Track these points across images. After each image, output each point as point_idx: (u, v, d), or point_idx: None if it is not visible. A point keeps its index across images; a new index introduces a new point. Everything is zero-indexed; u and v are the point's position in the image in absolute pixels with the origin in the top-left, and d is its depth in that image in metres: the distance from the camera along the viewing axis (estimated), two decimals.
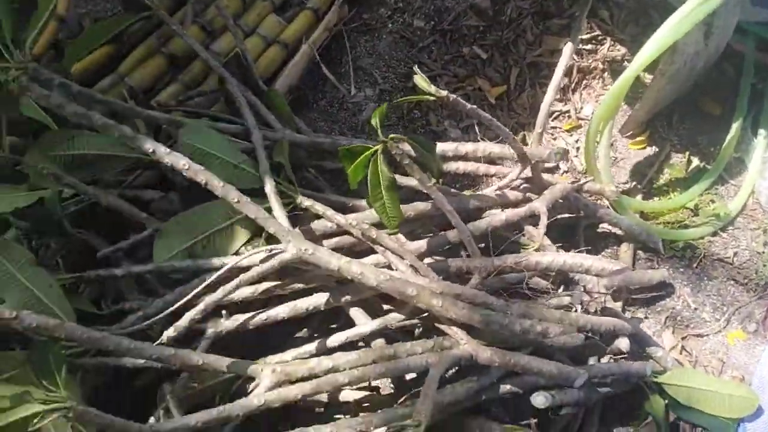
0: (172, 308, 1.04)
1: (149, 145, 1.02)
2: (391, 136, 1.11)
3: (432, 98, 1.07)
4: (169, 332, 1.02)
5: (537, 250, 1.22)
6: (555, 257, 1.19)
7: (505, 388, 1.15)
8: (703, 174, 1.60)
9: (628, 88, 1.36)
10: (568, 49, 1.30)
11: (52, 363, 0.98)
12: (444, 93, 1.07)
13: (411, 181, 1.32)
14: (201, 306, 1.03)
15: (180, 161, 1.03)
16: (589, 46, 1.71)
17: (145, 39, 1.54)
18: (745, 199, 1.57)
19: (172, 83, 1.50)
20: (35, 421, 0.77)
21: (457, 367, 1.19)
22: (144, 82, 1.49)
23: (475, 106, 1.13)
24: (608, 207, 1.49)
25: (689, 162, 1.62)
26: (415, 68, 1.07)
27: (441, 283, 1.13)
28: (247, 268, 1.09)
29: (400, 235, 1.22)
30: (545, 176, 1.40)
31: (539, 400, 1.10)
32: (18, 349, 1.05)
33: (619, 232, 1.51)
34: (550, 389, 1.14)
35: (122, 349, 0.97)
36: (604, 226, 1.52)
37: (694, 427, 1.32)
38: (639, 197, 1.57)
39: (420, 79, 1.07)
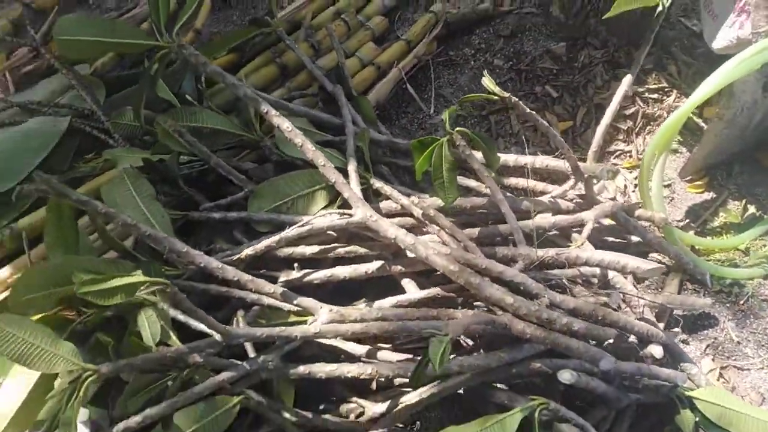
0: (254, 250, 1.23)
1: (265, 107, 1.25)
2: (457, 129, 1.30)
3: (496, 97, 1.25)
4: (248, 250, 1.21)
5: None
6: (594, 253, 1.30)
7: (535, 366, 1.25)
8: (759, 221, 1.66)
9: (682, 122, 1.48)
10: (627, 79, 1.46)
11: (153, 273, 1.19)
12: (507, 94, 1.25)
13: (470, 182, 1.48)
14: (277, 237, 1.22)
15: (284, 123, 1.25)
16: (655, 95, 1.84)
17: (263, 51, 1.83)
18: None
19: (280, 88, 1.76)
20: (141, 288, 0.96)
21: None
22: (257, 85, 1.77)
23: (533, 112, 1.30)
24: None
25: (745, 209, 1.69)
26: (485, 72, 1.26)
27: (486, 260, 1.26)
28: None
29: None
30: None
31: (566, 376, 1.19)
32: None
33: (667, 261, 1.59)
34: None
35: (211, 268, 1.17)
36: (653, 255, 1.60)
37: None
38: (691, 233, 1.66)
39: (487, 80, 1.25)
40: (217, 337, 1.09)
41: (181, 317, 1.13)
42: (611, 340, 1.35)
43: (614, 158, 1.81)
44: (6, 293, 1.48)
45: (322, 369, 1.19)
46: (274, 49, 1.83)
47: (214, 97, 1.70)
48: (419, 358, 1.14)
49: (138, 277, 0.97)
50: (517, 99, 1.26)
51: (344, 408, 1.37)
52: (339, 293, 1.43)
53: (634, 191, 1.74)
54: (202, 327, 1.11)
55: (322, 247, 1.36)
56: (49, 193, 1.08)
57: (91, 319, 1.28)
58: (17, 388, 1.26)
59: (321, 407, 1.38)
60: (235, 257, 1.24)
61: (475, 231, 1.38)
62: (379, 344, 1.38)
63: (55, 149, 1.64)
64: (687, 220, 1.69)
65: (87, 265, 1.16)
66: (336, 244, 1.36)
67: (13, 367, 1.29)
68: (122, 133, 1.60)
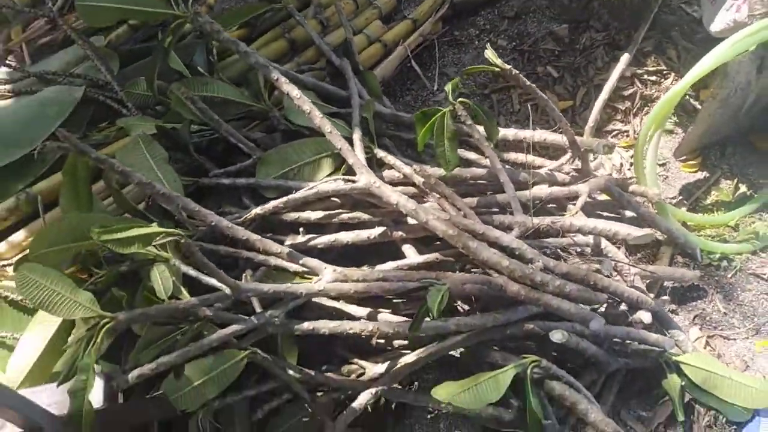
0: (263, 210, 1.29)
1: (275, 75, 1.31)
2: (460, 100, 1.35)
3: (498, 69, 1.30)
4: (257, 210, 1.27)
5: None
6: (587, 221, 1.35)
7: (528, 327, 1.31)
8: (749, 200, 1.71)
9: (677, 99, 1.53)
10: (625, 57, 1.51)
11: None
12: (508, 67, 1.31)
13: (470, 155, 1.54)
14: (284, 199, 1.28)
15: (294, 90, 1.31)
16: (654, 78, 1.89)
17: (273, 27, 1.88)
18: None
19: (289, 62, 1.82)
20: (157, 239, 1.02)
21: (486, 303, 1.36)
22: (268, 59, 1.81)
23: (533, 85, 1.36)
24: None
25: (737, 188, 1.74)
26: (488, 45, 1.31)
27: (483, 226, 1.32)
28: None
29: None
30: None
31: (557, 336, 1.25)
32: None
33: (659, 236, 1.64)
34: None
35: (221, 227, 1.23)
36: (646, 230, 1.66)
37: (709, 410, 1.41)
38: (683, 209, 1.71)
39: (490, 53, 1.31)
40: (227, 290, 1.15)
41: (193, 272, 1.20)
42: (603, 307, 1.42)
43: (612, 137, 1.86)
44: (18, 258, 1.54)
45: (326, 325, 1.25)
46: (284, 25, 1.88)
47: (224, 70, 1.75)
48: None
49: (154, 228, 1.03)
50: (517, 72, 1.31)
51: (345, 369, 1.44)
52: (342, 260, 1.49)
53: (629, 169, 1.80)
54: (212, 282, 1.17)
55: (327, 212, 1.41)
56: (70, 150, 1.13)
57: (103, 280, 1.34)
58: (33, 343, 1.33)
59: (323, 368, 1.44)
60: (246, 217, 1.30)
61: (473, 200, 1.44)
62: (379, 309, 1.44)
63: (70, 117, 1.69)
64: (680, 198, 1.74)
65: (102, 222, 1.22)
66: (340, 210, 1.41)
67: (30, 323, 1.36)
68: (135, 103, 1.66)
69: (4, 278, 1.52)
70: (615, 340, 1.41)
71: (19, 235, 1.58)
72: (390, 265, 1.38)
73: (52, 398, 1.13)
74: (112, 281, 1.30)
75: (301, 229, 1.41)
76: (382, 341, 1.45)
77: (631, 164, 1.81)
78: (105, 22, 1.56)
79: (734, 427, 1.38)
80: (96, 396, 1.12)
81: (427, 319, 1.20)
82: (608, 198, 1.59)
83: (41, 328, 1.34)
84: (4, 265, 1.53)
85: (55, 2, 1.91)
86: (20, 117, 1.68)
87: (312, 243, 1.40)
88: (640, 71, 1.90)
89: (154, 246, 1.19)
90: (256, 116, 1.66)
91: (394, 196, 1.32)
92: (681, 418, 1.38)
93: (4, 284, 1.46)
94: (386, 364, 1.38)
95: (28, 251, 1.45)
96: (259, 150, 1.49)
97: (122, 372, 1.18)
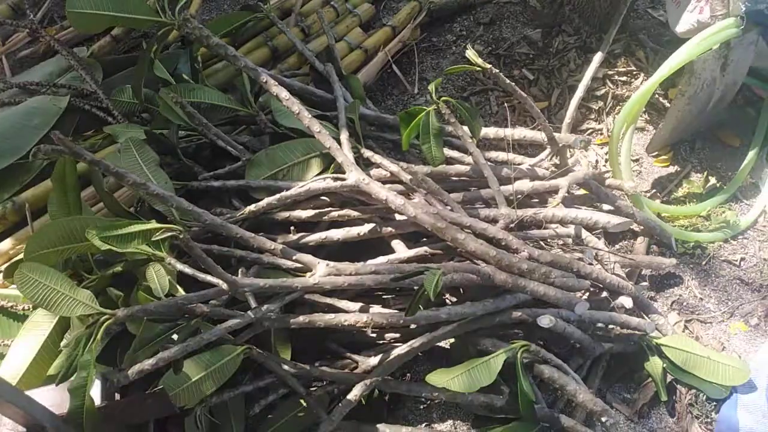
0: (256, 207, 1.32)
1: (264, 77, 1.34)
2: (443, 98, 1.40)
3: (479, 69, 1.36)
4: (251, 207, 1.29)
5: None
6: (569, 211, 1.41)
7: (516, 314, 1.35)
8: (719, 191, 1.80)
9: (649, 95, 1.61)
10: (597, 57, 1.58)
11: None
12: (489, 66, 1.36)
13: (453, 153, 1.59)
14: (278, 196, 1.31)
15: (283, 92, 1.34)
16: (624, 78, 1.98)
17: (255, 36, 1.92)
18: (756, 216, 1.75)
19: (272, 70, 1.85)
20: (157, 234, 1.04)
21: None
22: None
23: (513, 84, 1.41)
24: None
25: (707, 180, 1.82)
26: (468, 46, 1.37)
27: (470, 219, 1.37)
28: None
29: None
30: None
31: (545, 321, 1.29)
32: None
33: (635, 228, 1.71)
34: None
35: (215, 225, 1.25)
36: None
37: (690, 389, 1.46)
38: (657, 202, 1.78)
39: (471, 53, 1.36)
40: (224, 286, 1.17)
41: (188, 270, 1.21)
42: (585, 294, 1.47)
43: (586, 136, 1.93)
44: (6, 265, 1.54)
45: (321, 318, 1.28)
46: (266, 34, 1.92)
47: (208, 78, 1.78)
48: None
49: (153, 224, 1.05)
50: (497, 71, 1.37)
51: (339, 363, 1.46)
52: (332, 258, 1.51)
53: (605, 165, 1.87)
54: (208, 278, 1.19)
55: (317, 210, 1.45)
56: (65, 153, 1.15)
57: (96, 283, 1.35)
58: (25, 348, 1.33)
59: (316, 364, 1.46)
60: (239, 215, 1.33)
61: (459, 195, 1.48)
62: (370, 304, 1.47)
63: (56, 126, 1.71)
64: (653, 191, 1.82)
65: (97, 223, 1.23)
66: (330, 209, 1.45)
67: (21, 329, 1.36)
68: (121, 111, 1.68)
69: None
70: (598, 325, 1.47)
71: (5, 244, 1.58)
72: (381, 259, 1.42)
73: (47, 400, 1.13)
74: (106, 284, 1.31)
75: (292, 228, 1.44)
76: (374, 335, 1.49)
77: (606, 160, 1.88)
78: (95, 29, 1.59)
79: (714, 403, 1.44)
80: (94, 395, 1.12)
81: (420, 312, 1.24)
82: (585, 193, 1.65)
83: (32, 334, 1.34)
84: None
85: (35, 14, 1.93)
86: (4, 127, 1.68)
87: (303, 241, 1.43)
88: (611, 72, 1.98)
89: (148, 245, 1.21)
90: (242, 121, 1.69)
91: (383, 192, 1.36)
92: (664, 398, 1.43)
93: None
94: (379, 357, 1.41)
95: (21, 256, 1.46)
96: (248, 152, 1.52)
97: (119, 371, 1.19)
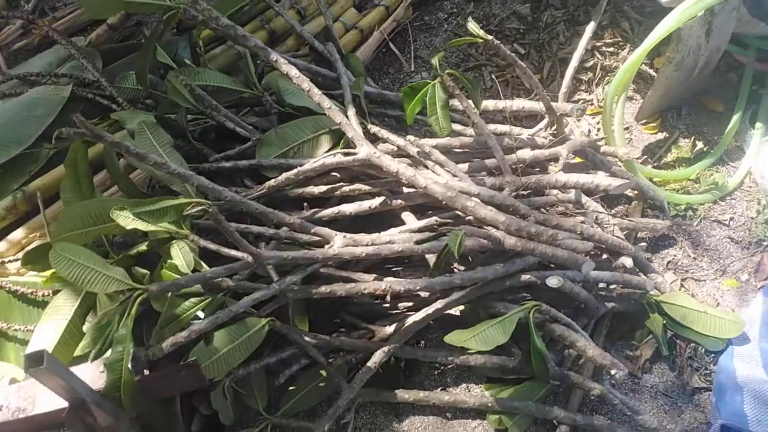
0: (276, 182, 1.36)
1: (274, 56, 1.38)
2: (447, 71, 1.45)
3: (480, 40, 1.41)
4: (271, 182, 1.33)
5: None
6: (571, 176, 1.47)
7: (525, 277, 1.41)
8: (707, 155, 1.87)
9: (639, 62, 1.68)
10: (590, 26, 1.63)
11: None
12: (490, 37, 1.41)
13: (455, 126, 1.64)
14: (294, 171, 1.35)
15: (293, 70, 1.38)
16: (611, 49, 2.04)
17: (252, 20, 1.94)
18: (742, 177, 1.83)
19: None
20: (188, 208, 1.08)
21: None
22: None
23: (513, 54, 1.47)
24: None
25: (694, 145, 1.90)
26: (470, 18, 1.42)
27: (478, 187, 1.42)
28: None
29: None
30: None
31: (553, 281, 1.36)
32: None
33: (629, 193, 1.78)
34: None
35: (235, 201, 1.29)
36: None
37: (689, 343, 1.54)
38: (649, 167, 1.86)
39: (472, 25, 1.41)
40: (249, 259, 1.21)
41: (212, 246, 1.25)
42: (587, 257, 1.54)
43: (581, 104, 1.99)
44: (20, 254, 1.56)
45: (342, 287, 1.32)
46: (262, 17, 1.94)
47: (210, 62, 1.80)
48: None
49: (183, 199, 1.09)
50: (498, 42, 1.42)
51: (355, 334, 1.51)
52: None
53: (597, 134, 1.93)
54: (233, 253, 1.23)
55: (329, 186, 1.49)
56: (86, 136, 1.17)
57: (118, 263, 1.38)
58: (49, 332, 1.36)
59: (334, 335, 1.51)
60: (260, 190, 1.36)
61: (465, 165, 1.54)
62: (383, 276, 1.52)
63: (59, 116, 1.72)
64: (644, 157, 1.89)
65: (119, 204, 1.26)
66: (341, 183, 1.49)
67: (44, 313, 1.39)
68: (126, 97, 1.70)
69: (7, 275, 1.54)
70: (600, 285, 1.54)
71: (18, 233, 1.60)
72: (393, 231, 1.47)
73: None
74: (129, 263, 1.34)
75: (305, 204, 1.48)
76: (387, 305, 1.54)
77: (598, 130, 1.95)
78: (107, 14, 1.60)
79: (712, 356, 1.52)
80: None
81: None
82: (580, 161, 1.72)
83: (55, 318, 1.37)
84: (3, 262, 1.55)
85: (28, 3, 1.93)
86: (9, 118, 1.70)
87: (317, 216, 1.47)
88: (599, 44, 2.05)
89: (171, 224, 1.25)
90: (247, 103, 1.72)
91: (394, 164, 1.41)
92: (665, 352, 1.51)
93: (13, 279, 1.48)
94: (394, 325, 1.46)
95: (35, 244, 1.48)
96: (258, 132, 1.55)
97: (147, 347, 1.23)
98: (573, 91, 2.00)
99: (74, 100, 1.76)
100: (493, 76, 2.02)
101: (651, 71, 2.03)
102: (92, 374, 1.19)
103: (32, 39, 2.00)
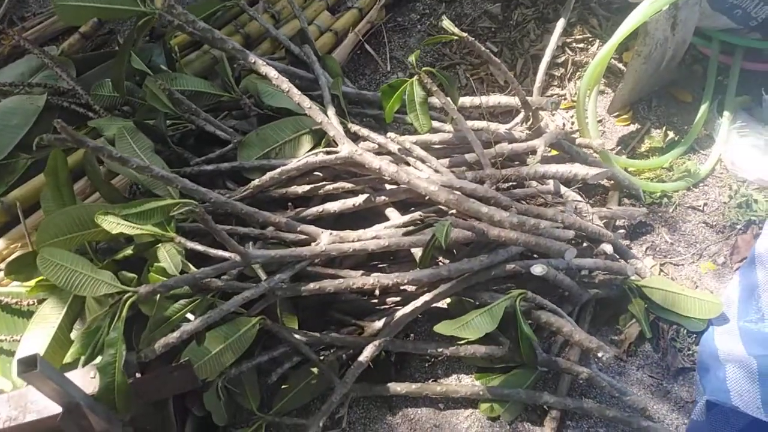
0: (260, 181, 1.36)
1: (252, 58, 1.39)
2: (424, 69, 1.48)
3: (455, 38, 1.44)
4: (255, 182, 1.34)
5: None
6: (549, 166, 1.50)
7: (510, 267, 1.44)
8: (678, 144, 1.93)
9: (609, 56, 1.72)
10: (560, 23, 1.68)
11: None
12: (464, 35, 1.44)
13: (433, 123, 1.66)
14: (278, 170, 1.36)
15: (272, 72, 1.39)
16: (581, 45, 2.09)
17: (226, 25, 1.95)
18: (713, 164, 1.89)
19: None
20: (174, 209, 1.08)
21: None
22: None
23: (487, 51, 1.50)
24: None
25: (666, 135, 1.96)
26: (444, 17, 1.44)
27: (459, 181, 1.44)
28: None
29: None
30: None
31: (538, 269, 1.38)
32: None
33: (606, 183, 1.83)
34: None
35: (220, 202, 1.29)
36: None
37: (671, 325, 1.58)
38: (623, 157, 1.90)
39: (447, 23, 1.44)
40: (237, 258, 1.22)
41: (200, 247, 1.25)
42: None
43: (556, 97, 2.03)
44: (2, 265, 1.54)
45: (331, 284, 1.33)
46: (236, 22, 1.95)
47: (186, 68, 1.80)
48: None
49: (170, 200, 1.09)
50: (473, 39, 1.45)
51: (344, 331, 1.52)
52: None
53: (571, 127, 1.98)
54: (220, 253, 1.23)
55: (312, 185, 1.50)
56: (67, 142, 1.17)
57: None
58: (36, 341, 1.34)
59: (323, 332, 1.51)
60: (244, 191, 1.37)
61: (446, 161, 1.56)
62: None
63: (35, 125, 1.70)
64: (618, 148, 1.94)
65: (102, 209, 1.25)
66: (324, 182, 1.50)
67: (30, 322, 1.37)
68: (102, 105, 1.69)
69: None
70: (582, 273, 1.57)
71: None
72: (378, 227, 1.48)
73: None
74: (115, 268, 1.33)
75: (289, 204, 1.49)
76: (375, 301, 1.55)
77: (572, 123, 2.00)
78: (82, 20, 1.59)
79: (694, 336, 1.56)
80: None
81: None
82: (556, 153, 1.76)
83: (41, 327, 1.36)
84: None
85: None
86: None
87: (301, 215, 1.48)
88: (569, 40, 2.10)
89: (156, 227, 1.24)
90: (225, 107, 1.72)
91: (376, 161, 1.43)
92: (649, 335, 1.55)
93: None
94: (383, 320, 1.47)
95: (17, 254, 1.46)
96: (238, 135, 1.56)
97: (137, 351, 1.22)
98: (546, 86, 2.05)
99: (49, 109, 1.74)
100: (468, 75, 2.05)
101: (620, 65, 2.08)
102: (83, 380, 1.18)
103: (2, 49, 1.97)
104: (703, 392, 1.40)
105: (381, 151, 1.56)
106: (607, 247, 1.56)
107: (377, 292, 1.35)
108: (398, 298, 1.54)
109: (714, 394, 1.35)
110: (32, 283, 1.36)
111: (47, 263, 1.10)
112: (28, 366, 0.92)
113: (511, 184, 1.57)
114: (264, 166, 1.49)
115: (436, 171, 1.49)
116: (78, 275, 1.11)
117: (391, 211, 1.53)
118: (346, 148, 1.43)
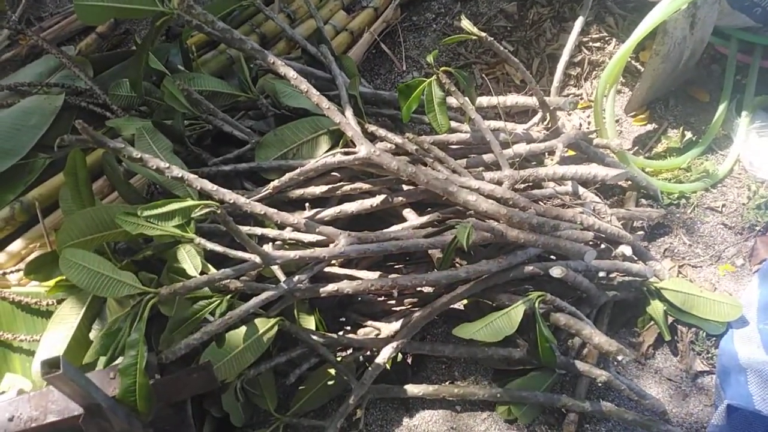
0: (279, 182, 1.36)
1: (271, 58, 1.38)
2: (442, 68, 1.47)
3: (473, 37, 1.43)
4: (275, 183, 1.34)
5: None
6: (568, 168, 1.49)
7: (529, 268, 1.43)
8: (696, 144, 1.91)
9: (627, 56, 1.71)
10: (578, 22, 1.66)
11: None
12: (483, 34, 1.43)
13: (452, 123, 1.65)
14: (297, 171, 1.35)
15: (290, 72, 1.38)
16: (598, 44, 2.07)
17: (242, 25, 1.95)
18: (731, 165, 1.88)
19: None
20: (195, 210, 1.08)
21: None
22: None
23: (506, 51, 1.49)
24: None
25: (683, 135, 1.94)
26: (462, 16, 1.43)
27: (478, 182, 1.44)
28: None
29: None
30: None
31: (557, 271, 1.37)
32: None
33: (622, 184, 1.81)
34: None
35: (239, 204, 1.29)
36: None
37: (690, 328, 1.57)
38: (641, 157, 1.89)
39: (465, 23, 1.43)
40: (257, 259, 1.22)
41: (219, 248, 1.25)
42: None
43: (573, 97, 2.02)
44: (21, 265, 1.55)
45: (349, 285, 1.33)
46: (252, 22, 1.95)
47: (202, 68, 1.80)
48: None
49: (191, 201, 1.09)
50: (492, 39, 1.44)
51: (361, 332, 1.52)
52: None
53: (588, 128, 1.96)
54: (240, 254, 1.23)
55: (330, 186, 1.50)
56: (89, 142, 1.17)
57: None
58: (56, 341, 1.36)
59: (340, 333, 1.51)
60: (264, 191, 1.37)
61: (463, 161, 1.55)
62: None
63: (53, 125, 1.71)
64: (635, 148, 1.92)
65: (122, 210, 1.26)
66: (341, 183, 1.50)
67: (50, 322, 1.37)
68: (120, 105, 1.69)
69: (8, 286, 1.53)
70: (601, 275, 1.56)
71: (17, 244, 1.59)
72: (396, 227, 1.48)
73: None
74: (133, 270, 1.34)
75: (306, 205, 1.49)
76: (392, 302, 1.55)
77: (589, 123, 1.98)
78: (100, 20, 1.59)
79: (713, 339, 1.55)
80: None
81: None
82: (573, 154, 1.75)
83: (61, 327, 1.36)
84: (3, 273, 1.53)
85: (14, 13, 1.91)
86: (2, 129, 1.68)
87: (319, 216, 1.48)
88: (585, 39, 2.08)
89: (177, 228, 1.24)
90: (242, 107, 1.72)
91: (394, 162, 1.42)
92: (667, 337, 1.54)
93: (15, 290, 1.47)
94: (400, 322, 1.47)
95: (35, 254, 1.47)
96: (255, 135, 1.56)
97: (157, 353, 1.22)
98: (563, 86, 2.03)
99: (67, 109, 1.75)
100: (483, 74, 2.04)
101: (637, 65, 2.07)
102: (102, 381, 1.18)
103: (20, 50, 1.98)
104: (723, 396, 1.39)
105: (398, 151, 1.56)
106: (626, 249, 1.54)
107: (395, 293, 1.34)
108: (415, 300, 1.54)
109: (735, 398, 1.34)
110: (51, 283, 1.36)
111: (69, 264, 1.10)
112: (52, 367, 0.93)
113: (527, 184, 1.56)
114: (282, 166, 1.49)
115: (454, 171, 1.49)
116: (100, 276, 1.11)
117: (408, 212, 1.53)
118: (364, 149, 1.42)
